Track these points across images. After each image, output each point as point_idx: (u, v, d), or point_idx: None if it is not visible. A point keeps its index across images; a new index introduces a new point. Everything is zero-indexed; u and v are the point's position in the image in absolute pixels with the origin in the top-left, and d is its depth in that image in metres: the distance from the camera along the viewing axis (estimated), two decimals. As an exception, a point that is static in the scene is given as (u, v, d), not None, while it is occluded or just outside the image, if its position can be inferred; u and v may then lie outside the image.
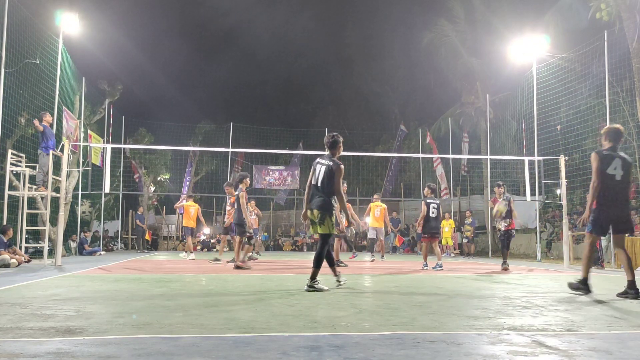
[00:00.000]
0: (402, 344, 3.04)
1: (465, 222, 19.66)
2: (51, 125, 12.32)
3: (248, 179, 10.36)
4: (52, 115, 12.92)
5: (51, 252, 12.19)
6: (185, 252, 14.90)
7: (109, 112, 20.48)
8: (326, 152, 6.46)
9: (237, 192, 10.30)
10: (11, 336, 3.12)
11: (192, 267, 10.56)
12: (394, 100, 36.59)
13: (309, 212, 6.27)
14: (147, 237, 22.04)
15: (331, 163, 6.21)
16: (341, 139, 6.53)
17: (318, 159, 6.43)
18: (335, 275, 6.48)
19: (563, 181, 12.72)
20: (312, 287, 6.00)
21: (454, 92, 25.39)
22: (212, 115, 33.09)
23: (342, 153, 6.69)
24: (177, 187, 28.08)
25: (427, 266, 10.65)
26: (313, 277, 6.07)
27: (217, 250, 23.70)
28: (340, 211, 7.11)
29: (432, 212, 10.70)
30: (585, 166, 16.59)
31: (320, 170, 6.26)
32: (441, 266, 10.30)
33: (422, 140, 25.52)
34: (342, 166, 6.22)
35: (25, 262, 10.12)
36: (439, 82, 27.81)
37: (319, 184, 6.20)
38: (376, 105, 37.75)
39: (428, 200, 10.78)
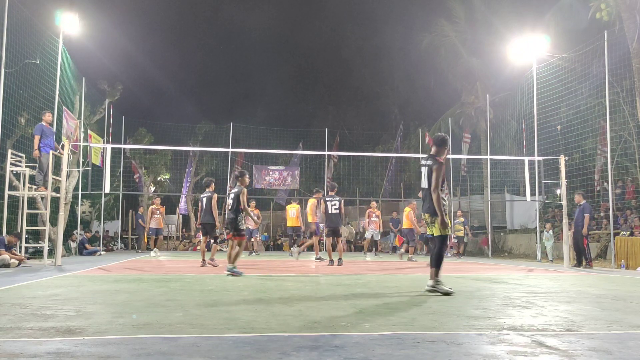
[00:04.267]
0: (402, 344, 3.04)
1: (456, 221, 19.56)
2: (51, 124, 12.31)
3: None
4: (53, 115, 12.91)
5: (51, 252, 12.18)
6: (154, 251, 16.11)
7: (109, 112, 20.46)
8: (432, 152, 6.15)
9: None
10: (11, 336, 3.12)
11: (192, 268, 10.56)
12: (394, 100, 36.61)
13: (423, 214, 6.11)
14: (144, 238, 21.99)
15: (431, 162, 5.93)
16: (448, 139, 6.18)
17: (422, 160, 6.17)
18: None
19: (563, 181, 12.71)
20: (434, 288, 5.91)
21: (454, 92, 25.36)
22: (212, 115, 33.08)
23: (342, 153, 6.65)
24: (177, 187, 28.04)
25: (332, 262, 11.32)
26: (432, 276, 5.89)
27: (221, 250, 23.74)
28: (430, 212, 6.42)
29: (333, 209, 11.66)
30: (585, 166, 16.60)
31: (424, 172, 6.04)
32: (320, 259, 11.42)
33: (422, 140, 25.50)
34: (442, 163, 5.87)
35: (22, 260, 10.08)
36: (439, 82, 27.80)
37: (426, 187, 5.99)
38: (376, 105, 37.81)
39: (327, 198, 11.60)
